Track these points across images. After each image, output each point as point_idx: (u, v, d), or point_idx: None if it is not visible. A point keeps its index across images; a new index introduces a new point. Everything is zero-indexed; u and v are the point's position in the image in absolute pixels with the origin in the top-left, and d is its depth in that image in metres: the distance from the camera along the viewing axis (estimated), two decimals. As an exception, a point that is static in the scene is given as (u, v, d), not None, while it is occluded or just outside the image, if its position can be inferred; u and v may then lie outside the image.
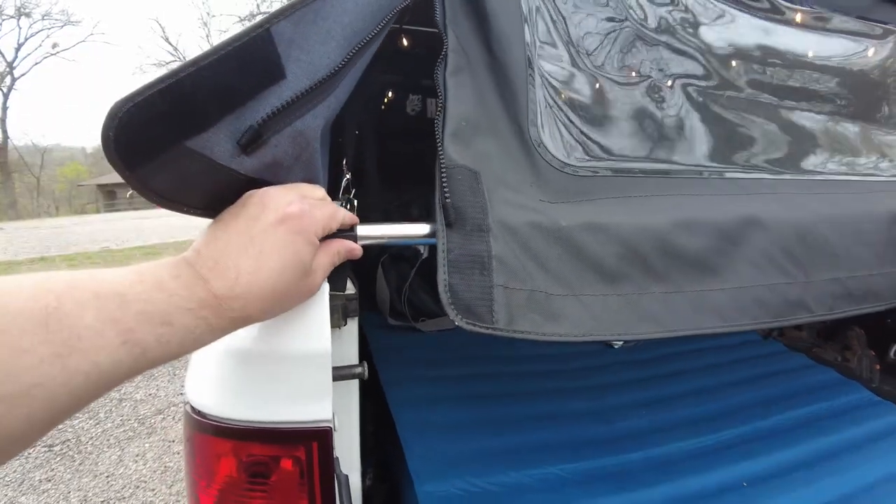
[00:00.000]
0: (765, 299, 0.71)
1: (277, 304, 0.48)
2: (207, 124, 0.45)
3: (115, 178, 28.21)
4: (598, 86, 0.79)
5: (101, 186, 27.02)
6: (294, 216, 0.46)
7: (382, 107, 2.40)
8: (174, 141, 0.43)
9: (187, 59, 0.45)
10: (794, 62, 1.02)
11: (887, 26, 1.17)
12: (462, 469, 0.87)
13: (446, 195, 0.58)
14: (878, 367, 1.71)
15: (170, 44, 21.84)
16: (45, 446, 2.31)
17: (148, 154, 0.43)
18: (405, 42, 2.08)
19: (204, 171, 0.46)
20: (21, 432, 0.29)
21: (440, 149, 0.60)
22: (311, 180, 0.54)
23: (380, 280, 1.68)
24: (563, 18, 0.79)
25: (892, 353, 1.77)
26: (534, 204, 0.64)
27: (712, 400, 1.18)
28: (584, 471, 0.91)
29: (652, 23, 0.87)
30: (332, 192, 0.64)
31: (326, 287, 0.60)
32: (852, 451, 1.03)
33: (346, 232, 0.60)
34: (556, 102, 0.74)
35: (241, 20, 21.28)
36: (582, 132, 0.75)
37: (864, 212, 0.86)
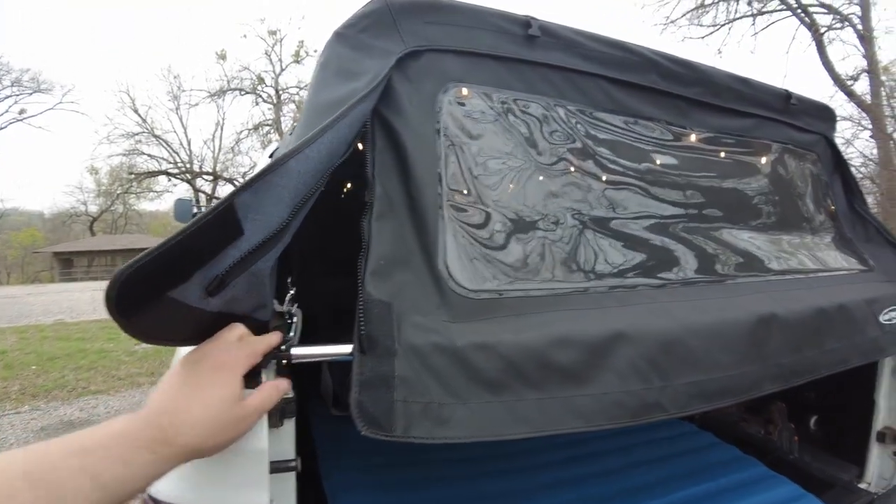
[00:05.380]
0: (624, 402, 0.81)
1: (215, 433, 0.57)
2: (184, 278, 0.56)
3: (72, 246, 27.15)
4: (498, 221, 0.92)
5: (56, 254, 26.21)
6: (221, 360, 0.60)
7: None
8: (159, 293, 0.54)
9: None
10: (674, 180, 1.15)
11: (762, 141, 1.34)
12: None
13: (361, 327, 0.69)
14: (796, 438, 1.90)
15: (139, 115, 22.01)
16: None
17: (139, 305, 0.53)
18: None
19: (180, 313, 0.58)
20: None
21: (360, 286, 0.72)
22: (260, 304, 0.69)
23: (324, 375, 1.79)
24: (470, 166, 0.92)
25: (812, 425, 1.97)
26: (437, 325, 0.76)
27: (619, 480, 1.32)
28: None
29: (545, 160, 0.99)
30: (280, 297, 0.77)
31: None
32: None
33: (279, 351, 0.72)
34: (462, 237, 0.87)
35: (211, 96, 21.86)
36: (483, 261, 0.87)
37: (728, 318, 0.96)
